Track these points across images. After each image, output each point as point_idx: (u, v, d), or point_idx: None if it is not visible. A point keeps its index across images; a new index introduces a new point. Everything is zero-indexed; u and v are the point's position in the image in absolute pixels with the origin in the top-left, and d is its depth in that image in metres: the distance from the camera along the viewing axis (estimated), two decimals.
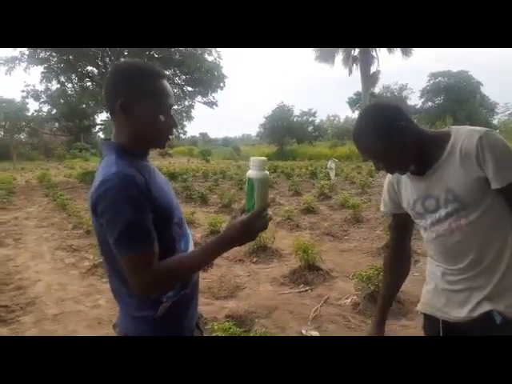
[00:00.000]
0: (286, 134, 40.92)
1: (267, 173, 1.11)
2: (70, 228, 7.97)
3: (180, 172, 18.73)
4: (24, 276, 5.07)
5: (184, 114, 22.20)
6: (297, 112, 45.52)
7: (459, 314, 1.36)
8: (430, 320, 1.49)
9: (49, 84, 19.49)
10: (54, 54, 18.17)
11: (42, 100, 19.74)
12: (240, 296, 4.26)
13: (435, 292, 1.45)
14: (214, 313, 3.65)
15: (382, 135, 1.27)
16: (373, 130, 1.28)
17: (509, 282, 1.28)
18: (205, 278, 4.61)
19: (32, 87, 19.53)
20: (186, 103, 22.48)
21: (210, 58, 20.73)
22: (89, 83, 20.55)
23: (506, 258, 1.28)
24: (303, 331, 3.32)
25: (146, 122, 1.14)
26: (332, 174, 15.59)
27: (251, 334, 2.85)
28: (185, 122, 22.90)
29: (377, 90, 37.21)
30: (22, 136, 36.42)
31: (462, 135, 1.28)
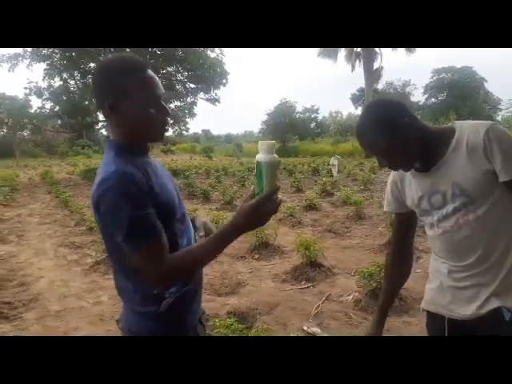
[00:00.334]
0: (289, 130, 40.86)
1: (276, 156, 1.09)
2: (72, 225, 8.00)
3: (182, 169, 18.74)
4: (27, 272, 5.10)
5: (186, 111, 22.18)
6: (299, 109, 45.47)
7: (466, 311, 1.34)
8: (434, 318, 1.48)
9: (51, 81, 19.55)
10: (56, 51, 18.19)
11: (44, 97, 19.77)
12: (242, 292, 4.26)
13: (440, 289, 1.44)
14: (215, 309, 3.65)
15: (386, 131, 1.26)
16: (376, 126, 1.28)
17: None
18: (207, 275, 4.62)
19: (35, 84, 19.59)
20: (189, 100, 22.49)
21: (212, 55, 20.71)
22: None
23: None
24: (305, 328, 3.32)
25: (138, 118, 1.13)
26: (334, 171, 15.57)
27: (253, 331, 2.86)
28: (187, 119, 22.92)
29: (380, 86, 37.13)
30: (25, 133, 36.57)
31: (467, 129, 1.27)
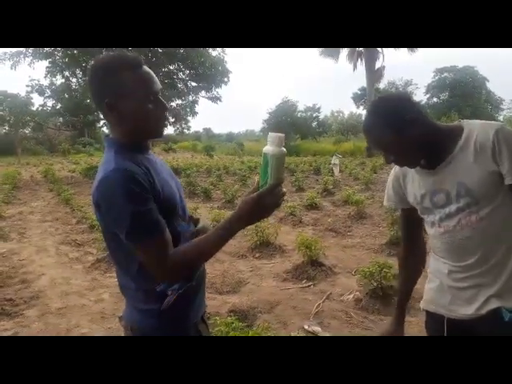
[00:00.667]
0: (290, 129, 40.78)
1: (283, 149, 1.08)
2: (74, 223, 8.02)
3: (183, 167, 18.73)
4: (28, 270, 5.11)
5: (188, 109, 22.15)
6: (301, 107, 45.41)
7: (466, 311, 1.34)
8: (433, 318, 1.48)
9: (53, 79, 19.54)
10: (58, 49, 18.17)
11: (46, 95, 19.77)
12: (243, 291, 4.27)
13: (440, 289, 1.43)
14: (216, 307, 3.66)
15: (392, 127, 1.25)
16: (383, 121, 1.27)
17: None
18: (208, 273, 4.61)
19: (37, 82, 19.58)
20: (190, 98, 22.42)
21: (214, 53, 20.66)
22: None
23: None
24: (305, 326, 3.33)
25: (136, 116, 1.13)
26: (336, 170, 15.56)
27: (254, 329, 2.86)
28: (189, 117, 22.88)
29: (382, 85, 36.99)
30: (27, 131, 36.56)
31: (476, 129, 1.25)
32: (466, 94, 36.38)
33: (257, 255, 5.55)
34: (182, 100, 22.23)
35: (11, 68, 18.12)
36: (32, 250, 6.12)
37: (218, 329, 2.81)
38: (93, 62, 1.17)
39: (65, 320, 3.65)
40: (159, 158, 1.33)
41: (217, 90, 22.02)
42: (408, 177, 1.46)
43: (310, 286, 4.35)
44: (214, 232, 1.13)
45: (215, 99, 22.46)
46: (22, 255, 5.80)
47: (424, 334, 1.57)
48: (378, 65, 29.46)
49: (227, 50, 20.78)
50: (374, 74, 29.22)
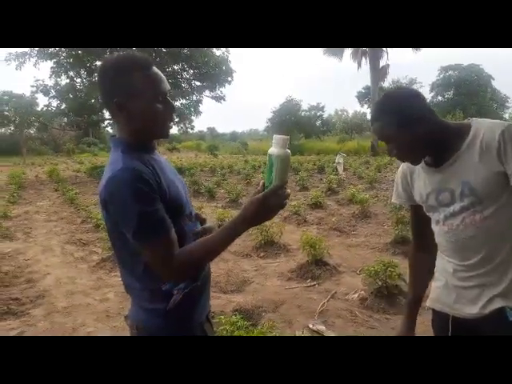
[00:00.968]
0: (294, 128, 40.78)
1: (288, 151, 1.10)
2: (78, 222, 8.06)
3: (188, 167, 18.79)
4: (34, 269, 5.14)
5: (192, 109, 22.18)
6: (305, 106, 45.36)
7: (471, 310, 1.33)
8: (439, 316, 1.47)
9: (58, 79, 19.60)
10: (63, 49, 18.25)
11: (51, 95, 19.83)
12: (247, 290, 4.27)
13: (445, 288, 1.43)
14: (221, 307, 3.67)
15: (399, 121, 1.25)
16: (389, 113, 1.27)
17: None
18: (212, 273, 4.61)
19: (41, 82, 19.63)
20: (194, 98, 22.45)
21: (217, 53, 20.68)
22: None
23: None
24: (310, 325, 3.32)
25: (145, 116, 1.13)
26: (340, 169, 15.53)
27: (258, 328, 2.86)
28: (193, 117, 22.91)
29: (386, 84, 36.87)
30: (32, 131, 36.84)
31: (483, 128, 1.25)
32: (471, 92, 36.18)
33: (261, 254, 5.55)
34: (186, 99, 22.26)
35: (16, 68, 18.24)
36: (37, 249, 6.16)
37: (222, 328, 2.81)
38: (103, 62, 1.18)
39: (70, 319, 3.67)
40: (164, 157, 1.33)
41: (221, 89, 22.07)
42: (415, 174, 1.45)
43: (314, 285, 4.34)
44: (219, 232, 1.13)
45: (219, 98, 22.49)
46: (27, 255, 5.84)
47: (430, 332, 1.57)
48: (382, 63, 29.40)
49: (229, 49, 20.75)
50: (378, 73, 29.13)
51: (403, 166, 1.50)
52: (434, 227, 1.42)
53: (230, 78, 21.56)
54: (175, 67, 21.31)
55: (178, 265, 1.09)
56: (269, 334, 2.73)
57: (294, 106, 43.23)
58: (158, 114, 1.14)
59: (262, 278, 4.64)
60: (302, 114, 44.49)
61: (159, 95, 1.14)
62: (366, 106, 43.85)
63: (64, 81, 19.83)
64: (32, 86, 19.77)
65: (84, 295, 4.26)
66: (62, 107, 20.08)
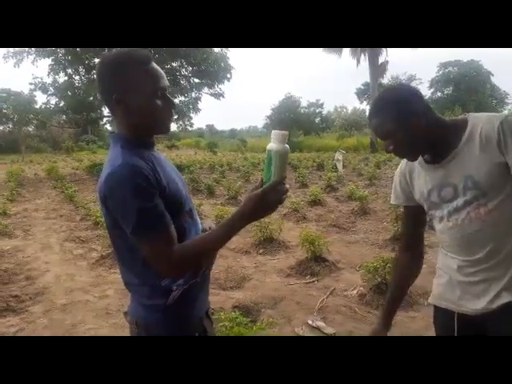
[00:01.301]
0: (293, 125, 40.75)
1: (287, 146, 1.10)
2: (78, 220, 8.05)
3: (187, 164, 18.77)
4: (33, 267, 5.14)
5: (191, 106, 22.13)
6: (304, 103, 45.30)
7: (476, 305, 1.33)
8: (442, 313, 1.46)
9: (56, 76, 19.51)
10: None
11: (49, 92, 19.76)
12: (247, 287, 4.28)
13: (449, 285, 1.42)
14: (220, 303, 3.67)
15: (395, 116, 1.25)
16: (387, 109, 1.27)
17: None
18: (211, 269, 4.63)
19: (40, 80, 19.56)
20: (193, 95, 22.39)
21: (216, 50, 20.61)
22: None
23: None
24: (309, 322, 3.33)
25: (144, 111, 1.13)
26: (339, 166, 15.52)
27: (258, 324, 2.87)
28: (192, 114, 22.85)
29: (385, 80, 36.82)
30: (30, 128, 36.74)
31: (481, 121, 1.25)
32: (470, 88, 36.18)
33: (260, 251, 5.56)
34: (185, 97, 22.20)
35: (14, 66, 18.19)
36: (37, 246, 6.16)
37: (222, 324, 2.82)
38: (102, 58, 1.18)
39: (70, 316, 3.67)
40: (163, 154, 1.33)
41: (220, 86, 22.02)
42: (414, 173, 1.45)
43: (313, 281, 4.35)
44: (218, 228, 1.13)
45: (218, 96, 22.43)
46: (26, 252, 5.84)
47: (430, 328, 1.57)
48: (381, 60, 29.36)
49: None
50: (377, 69, 29.11)
51: (402, 166, 1.50)
52: (437, 224, 1.42)
53: (228, 75, 21.50)
54: (174, 64, 21.23)
55: (177, 260, 1.09)
56: (268, 331, 2.74)
57: (294, 103, 43.19)
58: (156, 109, 1.14)
59: (262, 275, 4.64)
60: (301, 111, 44.47)
61: (158, 90, 1.14)
62: (365, 102, 43.83)
63: (62, 78, 19.76)
64: (30, 84, 19.72)
65: (83, 292, 4.26)
66: (61, 105, 20.02)
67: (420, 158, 1.38)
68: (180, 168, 16.51)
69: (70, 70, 19.56)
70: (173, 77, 20.56)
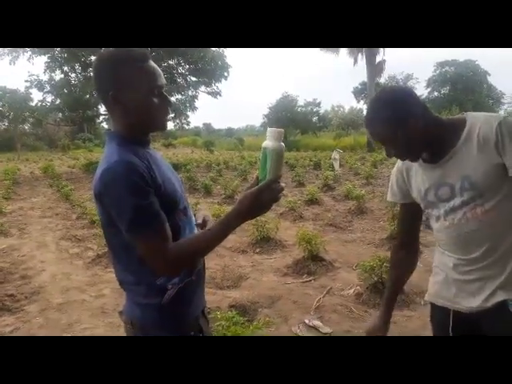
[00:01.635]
0: (290, 124, 40.76)
1: (282, 144, 1.09)
2: (74, 218, 8.02)
3: (183, 163, 18.75)
4: (29, 265, 5.11)
5: (188, 104, 22.09)
6: (301, 102, 45.31)
7: (471, 303, 1.34)
8: (438, 310, 1.47)
9: (52, 74, 19.45)
10: None
11: (45, 90, 19.67)
12: (243, 286, 4.27)
13: (445, 283, 1.43)
14: (217, 302, 3.66)
15: (394, 120, 1.25)
16: (384, 113, 1.26)
17: None
18: (208, 268, 4.61)
19: (36, 77, 19.47)
20: (190, 93, 22.37)
21: (213, 48, 20.58)
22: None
23: None
24: (306, 321, 3.33)
25: (141, 109, 1.13)
26: (336, 165, 15.55)
27: (254, 323, 2.86)
28: (188, 113, 22.82)
29: (382, 79, 36.87)
30: (26, 126, 36.57)
31: (479, 121, 1.25)
32: (467, 88, 36.31)
33: (257, 250, 5.56)
34: (182, 95, 22.17)
35: (10, 63, 18.13)
36: (32, 245, 6.13)
37: (218, 323, 2.81)
38: (99, 55, 1.17)
39: (66, 315, 3.66)
40: (160, 153, 1.32)
41: (217, 84, 22.00)
42: (412, 171, 1.45)
43: (310, 280, 4.35)
44: (213, 226, 1.13)
45: (215, 94, 22.42)
46: (22, 251, 5.81)
47: (427, 327, 1.57)
48: (378, 59, 29.39)
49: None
50: (374, 69, 29.13)
51: (399, 164, 1.50)
52: (434, 223, 1.42)
53: (226, 74, 21.49)
54: (171, 62, 21.19)
55: (172, 258, 1.08)
56: (265, 330, 2.73)
57: (291, 102, 43.22)
58: (153, 107, 1.13)
59: (258, 274, 4.64)
60: (299, 109, 44.49)
61: (155, 88, 1.13)
62: (362, 101, 43.90)
63: (58, 76, 19.70)
64: (26, 81, 19.62)
65: (79, 291, 4.24)
66: (57, 102, 19.93)
67: None
68: (177, 167, 16.49)
69: (66, 68, 19.49)
70: (170, 75, 20.52)
